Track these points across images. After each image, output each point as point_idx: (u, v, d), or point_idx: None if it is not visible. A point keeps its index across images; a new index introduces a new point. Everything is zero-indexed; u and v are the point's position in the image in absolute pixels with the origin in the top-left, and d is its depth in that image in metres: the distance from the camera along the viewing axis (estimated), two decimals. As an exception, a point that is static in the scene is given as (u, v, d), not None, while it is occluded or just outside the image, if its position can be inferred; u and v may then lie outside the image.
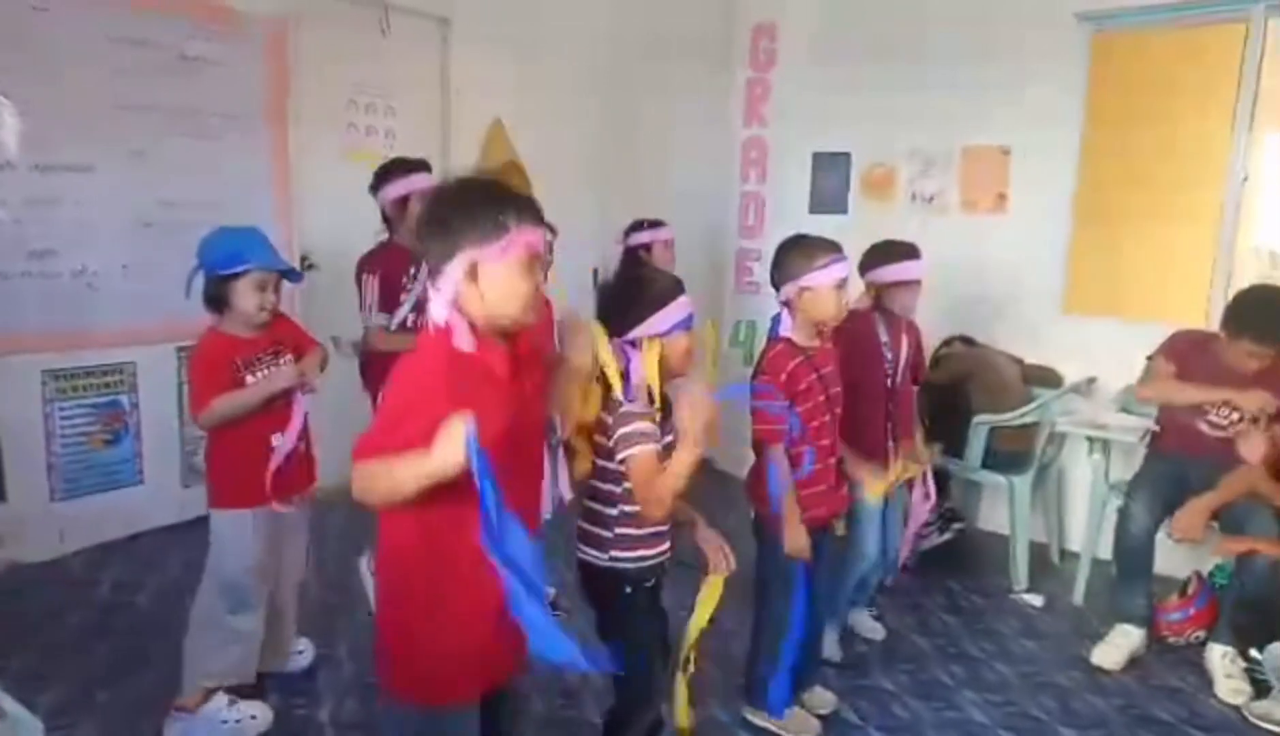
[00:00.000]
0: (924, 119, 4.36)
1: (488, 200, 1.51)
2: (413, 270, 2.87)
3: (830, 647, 2.91)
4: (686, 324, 1.94)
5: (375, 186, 3.02)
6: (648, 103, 5.31)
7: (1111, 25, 3.88)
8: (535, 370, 1.65)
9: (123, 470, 3.73)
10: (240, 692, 2.47)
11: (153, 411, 3.80)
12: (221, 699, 2.43)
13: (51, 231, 3.45)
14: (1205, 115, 3.67)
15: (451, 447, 1.34)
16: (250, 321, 2.39)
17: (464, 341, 1.48)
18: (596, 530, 1.95)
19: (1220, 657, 2.89)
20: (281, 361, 2.45)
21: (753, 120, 4.87)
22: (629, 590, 1.95)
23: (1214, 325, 3.36)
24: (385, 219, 3.03)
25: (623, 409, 1.87)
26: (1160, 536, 3.08)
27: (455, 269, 1.47)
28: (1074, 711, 2.75)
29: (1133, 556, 3.11)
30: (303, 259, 4.16)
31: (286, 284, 2.51)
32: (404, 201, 2.92)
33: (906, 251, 2.91)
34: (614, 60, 5.39)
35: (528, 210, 1.52)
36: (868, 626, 3.18)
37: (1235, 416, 2.95)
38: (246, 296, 2.35)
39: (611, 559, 1.94)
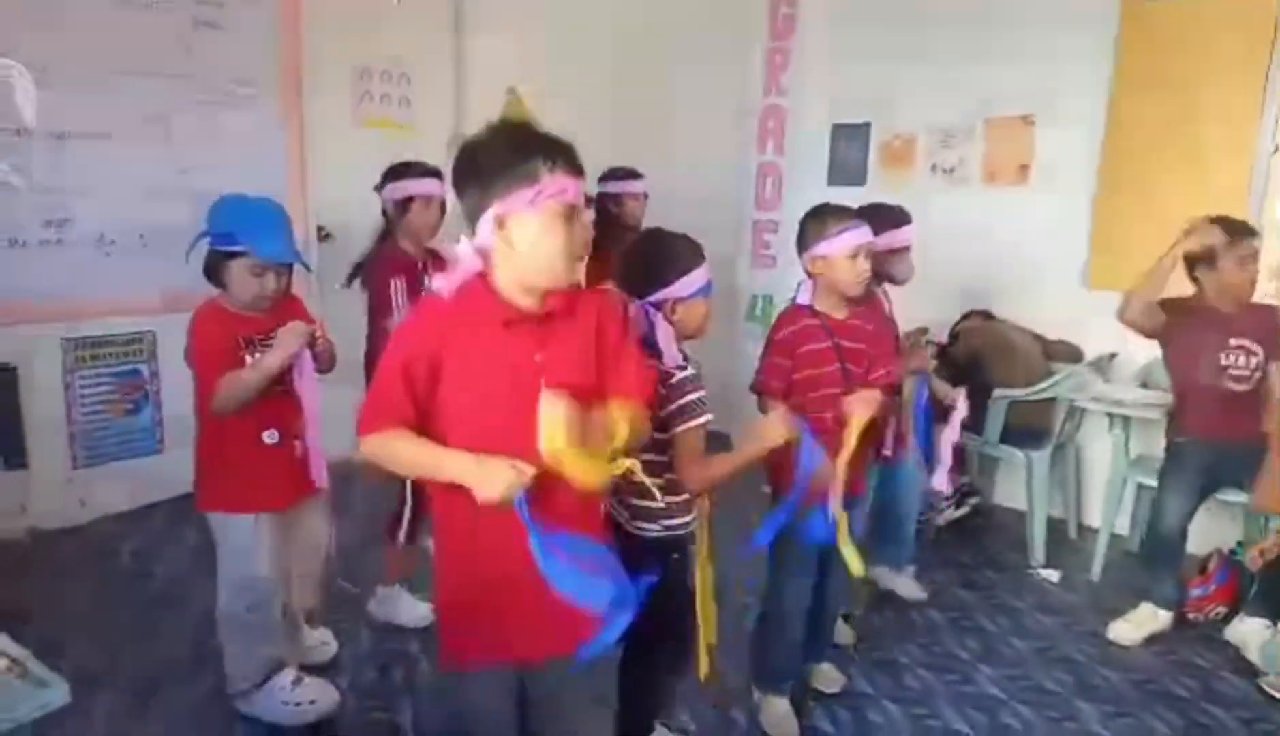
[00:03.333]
0: (945, 89, 4.28)
1: (518, 146, 1.45)
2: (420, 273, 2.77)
3: (909, 587, 3.15)
4: (706, 290, 1.94)
5: (381, 184, 2.91)
6: (664, 71, 5.23)
7: (1143, -8, 3.78)
8: (565, 335, 1.52)
9: (142, 438, 3.76)
10: (309, 669, 2.43)
11: (172, 380, 3.81)
12: (286, 675, 2.36)
13: (70, 200, 3.46)
14: (1235, 85, 3.58)
15: (495, 488, 1.38)
16: (245, 306, 2.19)
17: (447, 283, 1.46)
18: (646, 502, 1.87)
19: (1262, 628, 2.86)
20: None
21: (771, 89, 4.80)
22: (676, 556, 1.97)
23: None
24: (386, 217, 2.90)
25: (676, 378, 1.86)
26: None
27: (486, 220, 1.43)
28: (1089, 686, 2.75)
29: (1165, 548, 3.05)
30: (318, 229, 4.16)
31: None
32: (407, 203, 2.80)
33: (894, 217, 2.84)
34: (630, 27, 5.31)
35: (564, 157, 1.45)
36: (909, 587, 3.19)
37: (1254, 361, 2.91)
38: (241, 280, 2.14)
39: (665, 528, 1.95)
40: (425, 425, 1.49)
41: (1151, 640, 3.00)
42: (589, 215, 3.12)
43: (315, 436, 2.24)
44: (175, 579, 3.17)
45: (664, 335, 1.88)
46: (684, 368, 1.88)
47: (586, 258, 1.54)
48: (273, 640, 2.36)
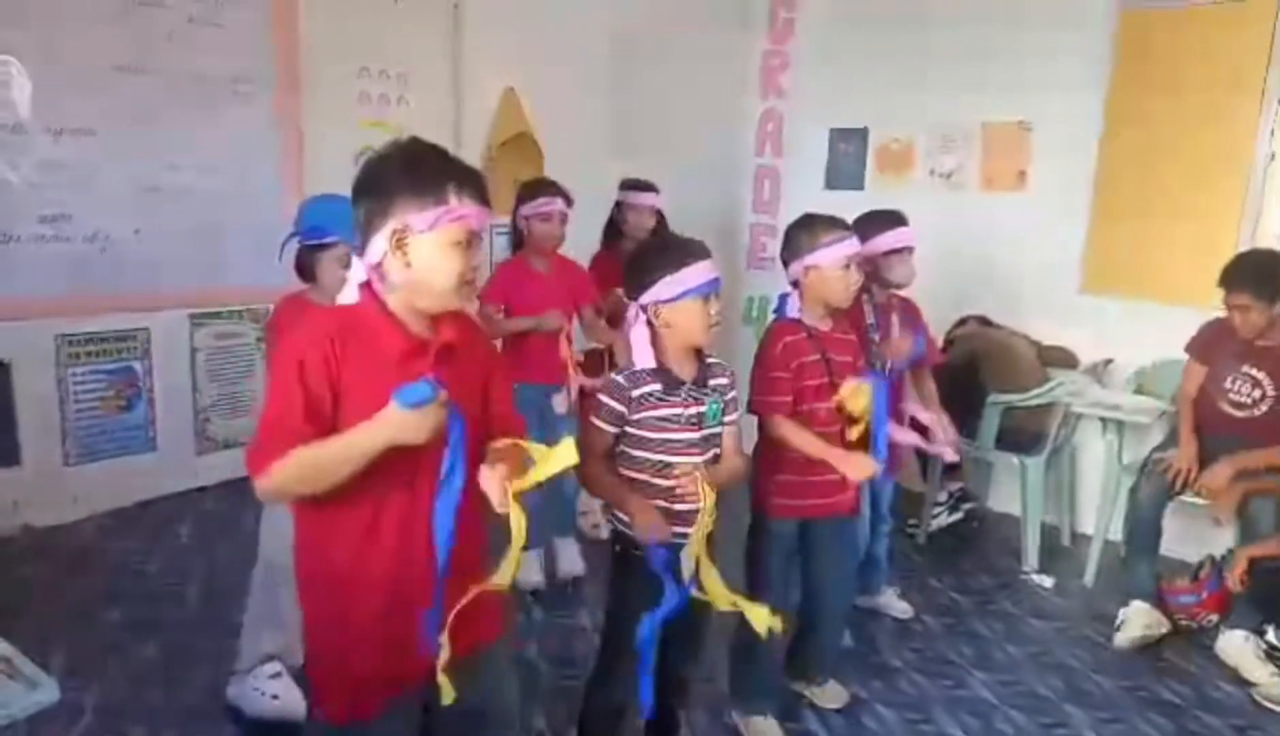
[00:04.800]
0: (944, 94, 4.30)
1: (427, 166, 1.42)
2: None
3: (893, 605, 3.12)
4: (703, 290, 1.88)
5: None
6: (663, 73, 5.22)
7: (1139, 2, 3.79)
8: (463, 363, 1.49)
9: (136, 436, 3.75)
10: (292, 671, 2.40)
11: (166, 378, 3.80)
12: (271, 667, 2.36)
13: (64, 195, 3.44)
14: (1233, 94, 3.60)
15: (425, 425, 1.33)
16: (332, 296, 2.31)
17: (347, 295, 1.44)
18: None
19: (1243, 642, 2.87)
20: None
21: (770, 92, 4.81)
22: (637, 551, 1.92)
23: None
24: None
25: (638, 393, 1.89)
26: (1176, 521, 3.06)
27: (383, 235, 1.40)
28: (1082, 692, 2.75)
29: (1140, 533, 3.15)
30: (315, 228, 4.14)
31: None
32: None
33: (893, 218, 2.84)
34: (629, 29, 5.31)
35: (470, 184, 1.43)
36: (897, 607, 3.16)
37: (1258, 393, 2.96)
38: (330, 269, 2.27)
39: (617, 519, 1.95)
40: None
41: (1147, 638, 3.01)
42: (550, 217, 3.07)
43: None
44: (168, 577, 3.15)
45: (638, 337, 1.88)
46: (639, 381, 1.88)
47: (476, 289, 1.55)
48: (274, 632, 2.38)
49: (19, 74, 3.28)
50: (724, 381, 2.02)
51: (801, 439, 2.25)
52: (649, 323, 1.91)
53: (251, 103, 3.94)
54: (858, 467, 2.23)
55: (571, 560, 3.28)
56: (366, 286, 1.45)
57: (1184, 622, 3.11)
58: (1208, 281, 3.57)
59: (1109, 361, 3.83)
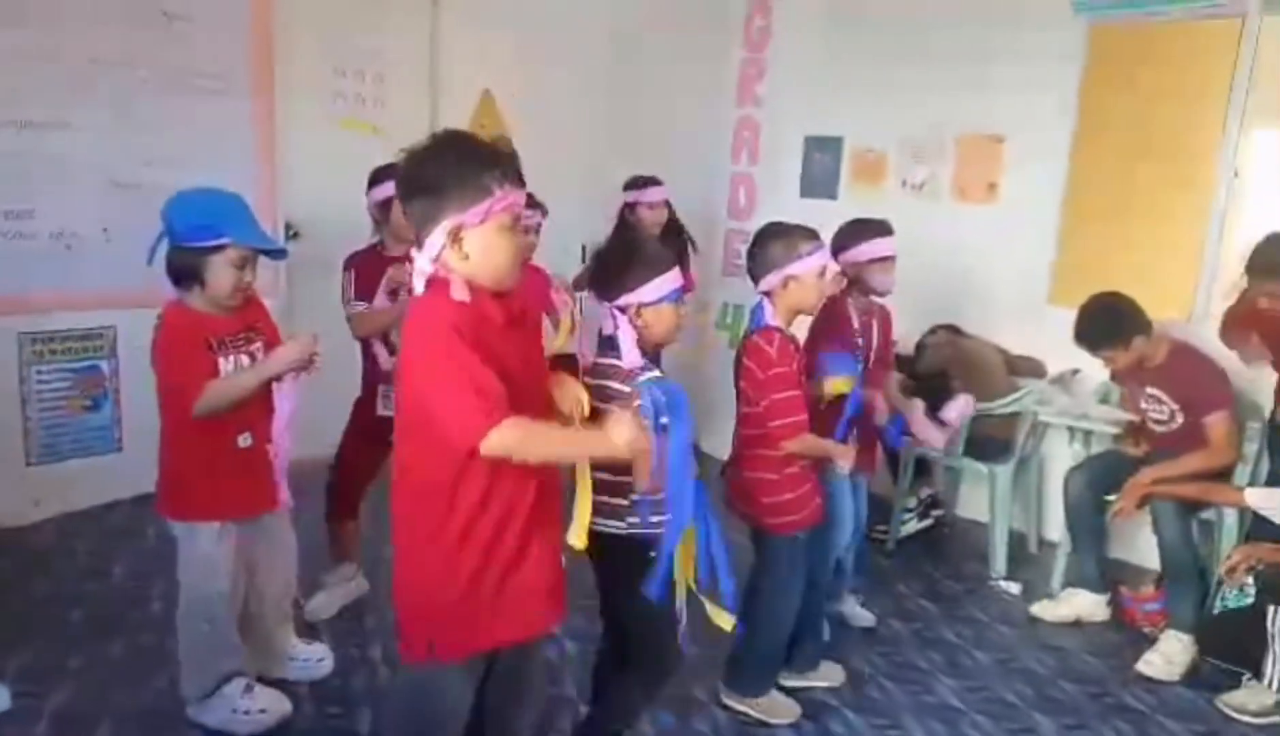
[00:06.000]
0: (917, 105, 4.34)
1: (471, 161, 1.50)
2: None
3: (861, 614, 3.13)
4: (675, 296, 1.96)
5: (368, 189, 2.90)
6: (640, 78, 5.24)
7: (1109, 16, 3.85)
8: (530, 327, 1.68)
9: (101, 436, 3.68)
10: (262, 679, 2.38)
11: (133, 377, 3.73)
12: (237, 684, 2.29)
13: (29, 190, 3.38)
14: (1199, 111, 3.66)
15: (626, 435, 1.52)
16: (220, 302, 2.14)
17: (459, 291, 1.50)
18: (613, 500, 1.90)
19: (1175, 640, 2.95)
20: (255, 346, 2.19)
21: (745, 100, 4.83)
22: (653, 554, 1.89)
23: (1198, 321, 3.42)
24: (374, 221, 2.91)
25: (640, 378, 1.87)
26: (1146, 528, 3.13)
27: (439, 233, 1.49)
28: (1049, 698, 2.78)
29: (1076, 522, 3.30)
30: (287, 227, 4.11)
31: (265, 260, 2.26)
32: (388, 204, 2.76)
33: (879, 228, 2.88)
34: (606, 33, 5.32)
35: (511, 168, 1.52)
36: (858, 614, 3.16)
37: (1166, 411, 3.13)
38: (221, 274, 2.09)
39: (630, 526, 1.93)
40: None
41: (1110, 652, 3.06)
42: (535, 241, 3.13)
43: (283, 446, 2.20)
44: (131, 579, 3.11)
45: (626, 338, 1.91)
46: (648, 369, 1.90)
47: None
48: (227, 654, 2.30)
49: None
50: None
51: (812, 445, 2.35)
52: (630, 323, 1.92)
53: (226, 99, 3.88)
54: (848, 456, 2.43)
55: None
56: (436, 278, 1.52)
57: (1147, 629, 3.16)
58: (1173, 294, 3.66)
59: (1076, 371, 3.87)
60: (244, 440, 2.18)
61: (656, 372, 1.92)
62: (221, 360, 2.14)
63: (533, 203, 3.05)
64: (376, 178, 2.84)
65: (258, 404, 2.16)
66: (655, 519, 1.88)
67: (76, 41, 3.43)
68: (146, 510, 3.64)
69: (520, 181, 1.54)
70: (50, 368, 3.52)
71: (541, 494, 1.61)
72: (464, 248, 1.49)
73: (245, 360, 2.18)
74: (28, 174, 3.37)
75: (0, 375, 3.39)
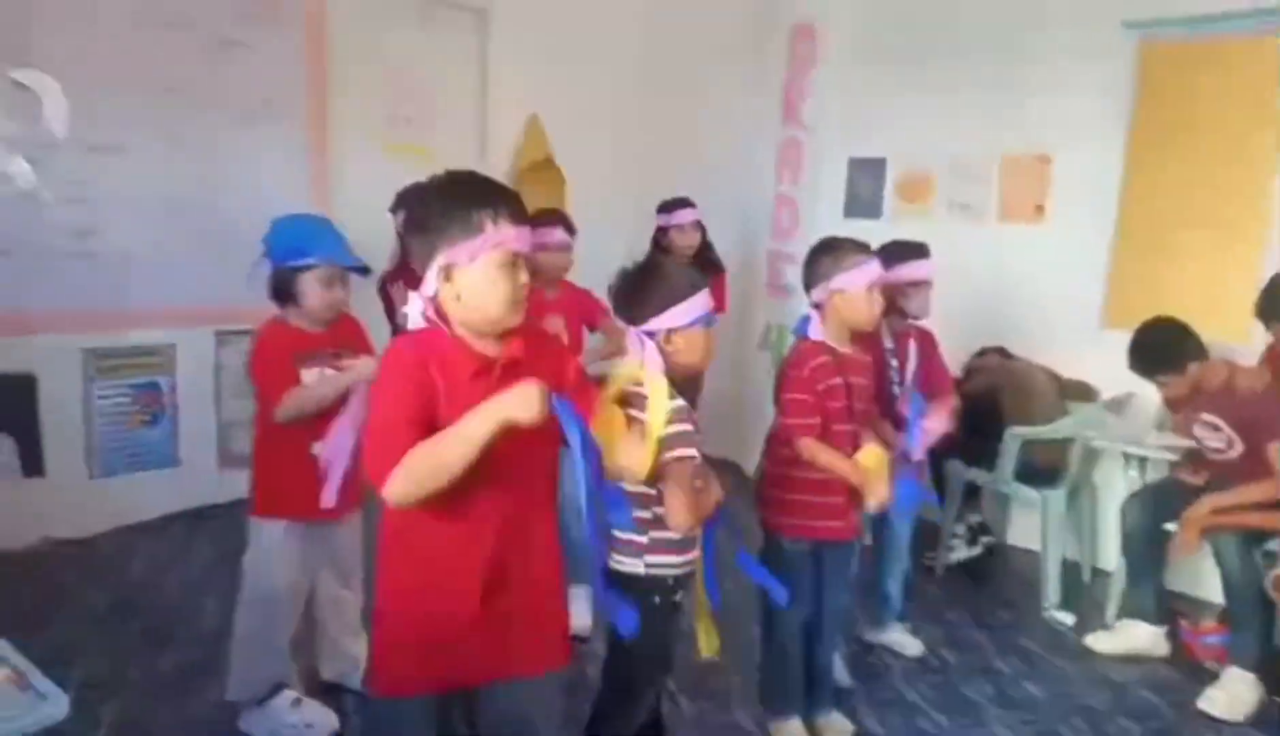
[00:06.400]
0: (963, 125, 4.31)
1: (463, 198, 1.47)
2: None
3: (840, 672, 2.76)
4: (706, 320, 1.92)
5: (394, 207, 2.94)
6: (683, 100, 5.30)
7: (1160, 34, 3.80)
8: (528, 375, 1.48)
9: (159, 451, 3.79)
10: (308, 690, 2.42)
11: (191, 393, 3.85)
12: (286, 696, 2.35)
13: (93, 212, 3.51)
14: (1256, 127, 3.58)
15: (533, 404, 1.35)
16: (315, 317, 2.28)
17: (435, 339, 1.47)
18: (629, 536, 1.87)
19: (1239, 679, 2.84)
20: (342, 361, 2.28)
21: (790, 122, 4.83)
22: (658, 600, 1.88)
23: (1257, 344, 3.32)
24: (401, 239, 2.91)
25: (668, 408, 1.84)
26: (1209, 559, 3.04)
27: (433, 271, 1.46)
28: (1105, 734, 2.70)
29: (1133, 551, 3.20)
30: (340, 249, 4.20)
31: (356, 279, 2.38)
32: None
33: (916, 250, 2.87)
34: (650, 57, 5.40)
35: (506, 207, 1.47)
36: (904, 642, 3.10)
37: (1223, 439, 3.02)
38: (312, 291, 2.23)
39: (648, 566, 1.88)
40: None
41: (1169, 688, 2.96)
42: (560, 248, 3.08)
43: (339, 451, 2.22)
44: (187, 590, 3.17)
45: (652, 364, 1.86)
46: (675, 399, 1.83)
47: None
48: (278, 659, 2.36)
49: (53, 91, 3.35)
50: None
51: (829, 458, 2.27)
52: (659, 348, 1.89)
53: (280, 123, 4.01)
54: (879, 494, 2.27)
55: (581, 613, 3.03)
56: (429, 315, 1.49)
57: (1209, 664, 3.05)
58: (1231, 317, 3.56)
59: (1130, 396, 3.79)
60: (318, 448, 2.23)
61: (681, 402, 1.86)
62: (304, 371, 2.25)
63: (557, 220, 3.09)
64: (403, 198, 2.87)
65: (333, 415, 2.22)
66: (673, 558, 1.87)
67: (140, 69, 3.56)
68: (202, 523, 3.75)
69: (518, 220, 1.48)
70: (111, 384, 3.63)
71: (512, 528, 1.52)
72: (455, 286, 1.45)
73: (329, 372, 2.28)
74: (92, 196, 3.49)
75: (65, 391, 3.51)
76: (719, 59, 5.13)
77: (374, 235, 3.87)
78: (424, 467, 1.37)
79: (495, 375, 1.47)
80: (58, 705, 1.45)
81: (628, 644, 1.78)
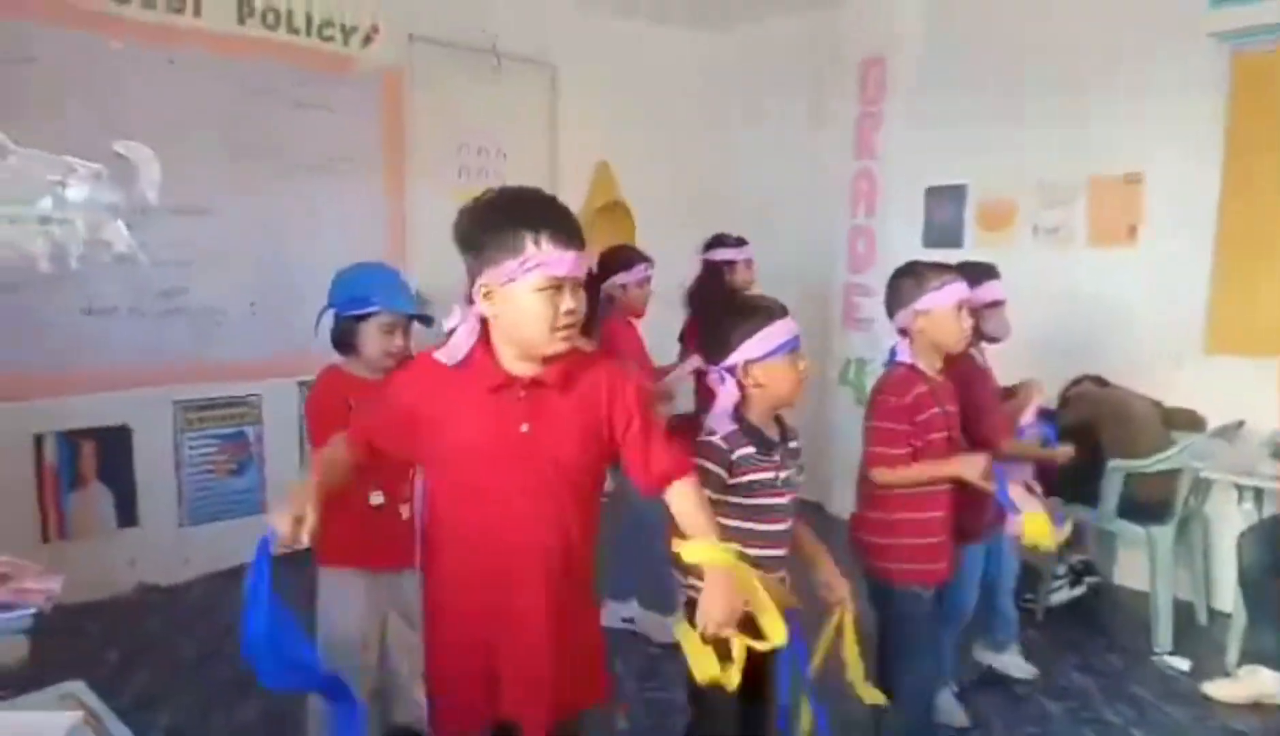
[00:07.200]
0: (1046, 148, 4.16)
1: (507, 217, 1.42)
2: None
3: (949, 712, 2.70)
4: (789, 347, 1.84)
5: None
6: (748, 137, 5.29)
7: (1252, 43, 3.61)
8: (560, 403, 1.49)
9: (246, 499, 3.88)
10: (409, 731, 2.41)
11: (276, 443, 3.95)
12: None
13: (184, 271, 3.66)
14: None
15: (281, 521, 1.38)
16: (374, 365, 2.27)
17: (447, 353, 1.47)
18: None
19: None
20: None
21: (863, 153, 4.76)
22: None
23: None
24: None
25: (736, 454, 1.81)
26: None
27: (477, 289, 1.44)
28: (1229, 790, 2.48)
29: (1252, 590, 2.98)
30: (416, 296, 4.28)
31: (419, 327, 2.37)
32: None
33: (987, 270, 2.77)
34: (715, 96, 5.41)
35: (551, 228, 1.40)
36: (1018, 665, 3.02)
37: None
38: (372, 339, 2.24)
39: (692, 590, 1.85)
40: (380, 443, 1.56)
41: (1257, 705, 2.78)
42: (645, 281, 3.26)
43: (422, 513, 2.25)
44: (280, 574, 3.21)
45: (723, 400, 1.81)
46: (711, 434, 1.81)
47: (576, 328, 1.50)
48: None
49: (148, 160, 3.53)
50: (799, 444, 1.96)
51: (917, 471, 2.17)
52: (739, 384, 1.84)
53: (360, 180, 4.14)
54: (974, 466, 2.14)
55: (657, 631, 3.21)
56: (466, 326, 1.48)
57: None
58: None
59: (1241, 423, 3.55)
60: (375, 498, 2.24)
61: (751, 449, 1.81)
62: None
63: (644, 256, 3.28)
64: None
65: (394, 468, 2.20)
66: None
67: (225, 134, 3.72)
68: (287, 569, 3.79)
69: (565, 242, 1.40)
70: (200, 434, 3.75)
71: (504, 561, 1.49)
72: (494, 305, 1.42)
73: None
74: (183, 256, 3.65)
75: (158, 442, 3.64)
76: (784, 94, 5.12)
77: (446, 279, 3.94)
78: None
79: (518, 395, 1.46)
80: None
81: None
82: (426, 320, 2.38)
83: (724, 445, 1.81)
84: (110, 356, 3.48)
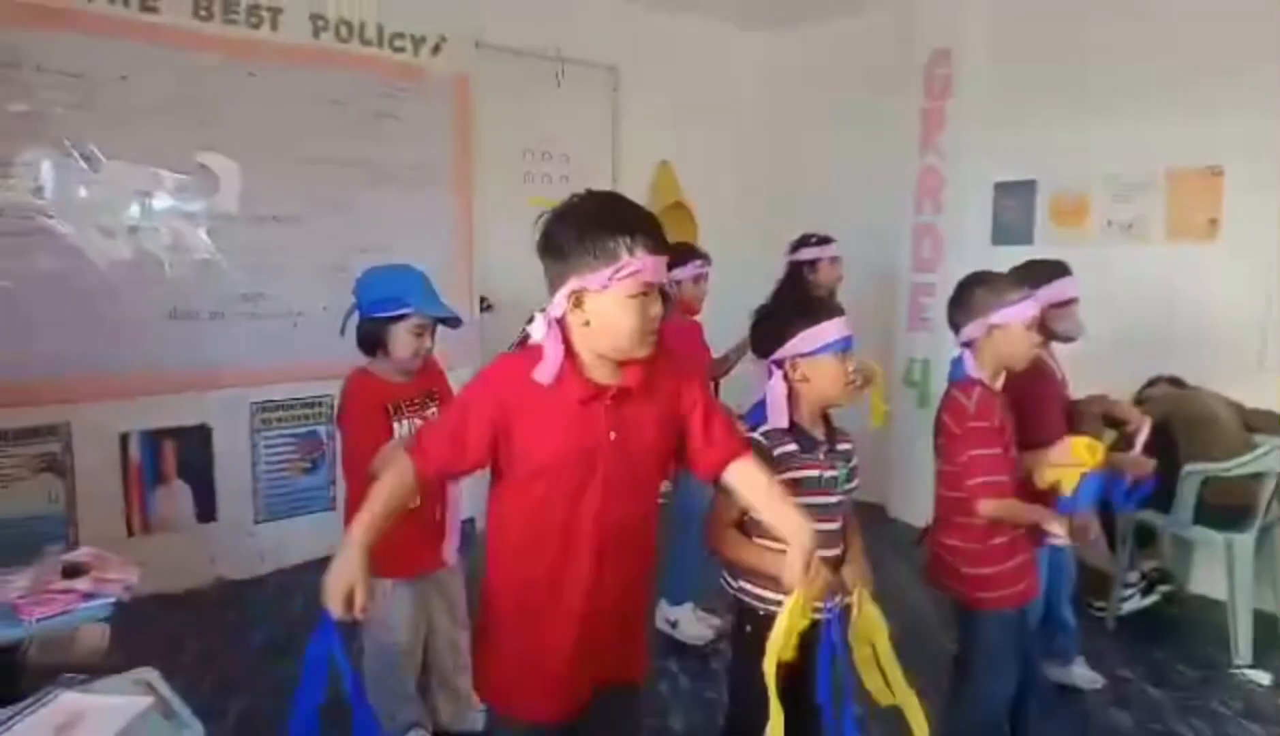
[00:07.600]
0: (1119, 141, 4.03)
1: (601, 224, 1.42)
2: None
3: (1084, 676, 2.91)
4: (840, 346, 1.84)
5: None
6: (819, 137, 5.25)
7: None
8: (640, 406, 1.51)
9: (317, 496, 4.02)
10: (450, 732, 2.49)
11: (345, 442, 4.07)
12: (415, 735, 2.41)
13: (263, 276, 3.81)
14: None
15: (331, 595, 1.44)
16: (403, 367, 2.31)
17: (544, 372, 1.44)
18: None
19: None
20: (429, 411, 2.31)
21: (928, 150, 4.68)
22: (749, 628, 1.83)
23: None
24: None
25: (778, 450, 1.81)
26: None
27: (562, 295, 1.43)
28: (1312, 811, 2.37)
29: None
30: (481, 300, 4.38)
31: (454, 333, 2.44)
32: None
33: (1058, 268, 2.67)
34: (776, 95, 5.39)
35: (645, 236, 1.41)
36: (1084, 676, 2.97)
37: None
38: (403, 341, 2.26)
39: (739, 589, 1.89)
40: (458, 471, 1.60)
41: None
42: (700, 278, 3.31)
43: (455, 514, 2.30)
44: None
45: (774, 395, 1.83)
46: (778, 440, 1.81)
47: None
48: (405, 704, 2.41)
49: (231, 171, 3.69)
50: (849, 446, 1.95)
51: (1013, 509, 2.10)
52: (785, 379, 1.85)
53: (430, 188, 4.24)
54: (1059, 525, 2.09)
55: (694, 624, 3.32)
56: (550, 336, 1.46)
57: None
58: None
59: (1329, 427, 3.39)
60: (413, 502, 2.28)
61: (794, 446, 1.81)
62: (396, 424, 2.27)
63: (696, 253, 3.29)
64: None
65: None
66: (764, 592, 1.81)
67: (302, 146, 3.86)
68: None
69: (656, 250, 1.42)
70: (275, 433, 3.89)
71: (594, 566, 1.51)
72: (584, 312, 1.43)
73: (420, 424, 2.29)
74: (261, 263, 3.80)
75: (236, 441, 3.79)
76: (846, 92, 5.07)
77: (512, 284, 4.03)
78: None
79: (605, 404, 1.47)
80: (194, 731, 1.54)
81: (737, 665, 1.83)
82: (455, 321, 2.42)
83: (764, 441, 1.82)
84: (194, 359, 3.64)
